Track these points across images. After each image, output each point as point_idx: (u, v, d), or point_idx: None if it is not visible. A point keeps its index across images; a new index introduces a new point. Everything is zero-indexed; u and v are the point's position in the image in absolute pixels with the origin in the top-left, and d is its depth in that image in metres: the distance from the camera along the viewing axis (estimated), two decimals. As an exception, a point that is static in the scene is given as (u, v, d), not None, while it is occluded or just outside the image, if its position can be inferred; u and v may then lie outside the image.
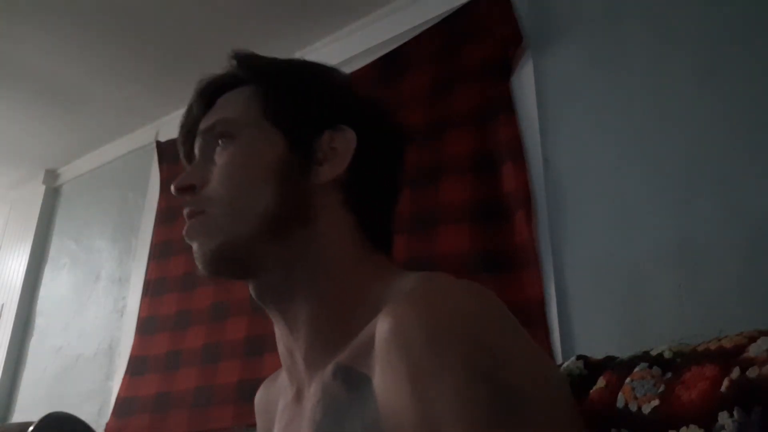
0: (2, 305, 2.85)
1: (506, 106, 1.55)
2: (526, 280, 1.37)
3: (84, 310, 2.53)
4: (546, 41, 1.56)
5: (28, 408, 2.55)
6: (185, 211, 0.66)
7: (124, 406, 2.07)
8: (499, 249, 1.43)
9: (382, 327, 0.50)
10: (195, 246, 0.65)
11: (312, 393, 0.60)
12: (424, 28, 1.80)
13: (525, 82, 1.56)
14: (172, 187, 0.66)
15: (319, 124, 0.67)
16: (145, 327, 2.18)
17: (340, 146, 0.66)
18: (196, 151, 0.70)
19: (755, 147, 1.19)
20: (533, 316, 1.33)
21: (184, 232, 0.65)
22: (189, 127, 0.72)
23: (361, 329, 0.56)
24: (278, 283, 0.64)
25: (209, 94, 0.71)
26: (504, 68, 1.59)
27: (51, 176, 2.97)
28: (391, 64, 1.83)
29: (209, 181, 0.65)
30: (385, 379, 0.49)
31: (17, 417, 2.58)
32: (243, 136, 0.66)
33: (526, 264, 1.38)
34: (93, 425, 1.35)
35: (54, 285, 2.76)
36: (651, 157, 1.31)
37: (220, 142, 0.67)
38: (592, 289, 1.31)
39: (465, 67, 1.65)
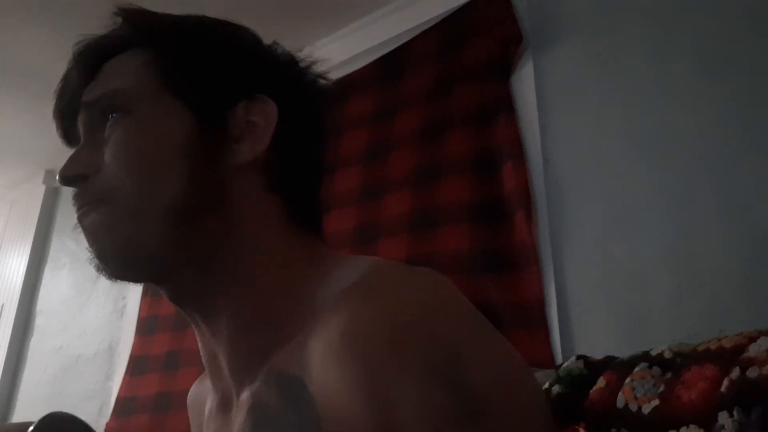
0: (2, 305, 2.85)
1: (506, 106, 1.55)
2: (526, 280, 1.37)
3: (84, 310, 2.53)
4: (546, 41, 1.56)
5: (28, 408, 2.55)
6: (76, 205, 0.55)
7: (124, 406, 2.07)
8: (499, 249, 1.43)
9: (330, 324, 0.44)
10: (93, 248, 0.54)
11: (241, 402, 0.53)
12: (424, 28, 1.80)
13: (525, 82, 1.56)
14: (58, 177, 0.55)
15: (231, 94, 0.56)
16: (145, 327, 2.18)
17: (259, 119, 0.56)
18: (81, 129, 0.58)
19: (756, 147, 1.19)
20: (533, 316, 1.33)
21: (78, 223, 0.55)
22: (68, 99, 0.59)
23: (297, 329, 0.49)
24: (194, 284, 0.55)
25: (93, 59, 0.58)
26: (504, 68, 1.59)
27: (51, 176, 2.97)
28: (391, 64, 1.83)
29: (101, 168, 0.54)
30: (333, 381, 0.43)
31: (17, 417, 2.58)
32: (139, 111, 0.54)
33: (526, 264, 1.38)
34: (93, 425, 1.35)
35: (54, 285, 2.76)
36: (651, 157, 1.31)
37: (110, 117, 0.55)
38: (592, 289, 1.31)
39: (465, 67, 1.65)
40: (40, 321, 2.73)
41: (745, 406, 0.47)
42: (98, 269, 0.55)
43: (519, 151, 1.49)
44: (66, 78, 0.60)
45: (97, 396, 2.29)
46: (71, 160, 0.55)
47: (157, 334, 2.11)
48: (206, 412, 0.62)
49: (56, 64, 2.33)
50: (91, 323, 2.47)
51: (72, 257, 2.73)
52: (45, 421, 1.26)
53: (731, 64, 1.26)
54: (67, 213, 2.89)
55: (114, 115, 0.55)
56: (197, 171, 0.54)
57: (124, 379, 2.13)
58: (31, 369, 2.65)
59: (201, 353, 0.59)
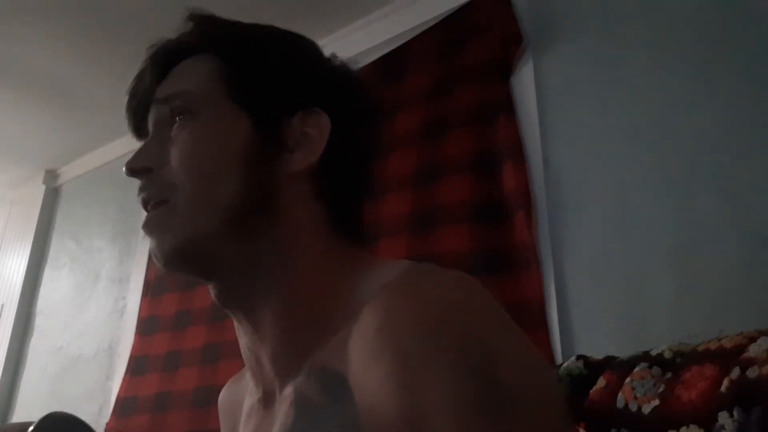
0: (2, 305, 2.85)
1: (506, 106, 1.55)
2: (526, 280, 1.37)
3: (84, 310, 2.53)
4: (546, 41, 1.56)
5: (28, 408, 2.55)
6: (141, 197, 0.59)
7: (124, 406, 2.07)
8: (499, 249, 1.43)
9: (367, 320, 0.47)
10: (154, 241, 0.58)
11: (284, 396, 0.56)
12: (424, 28, 1.80)
13: (525, 82, 1.56)
14: (125, 168, 0.59)
15: (289, 105, 0.60)
16: (145, 327, 2.18)
17: (313, 131, 0.59)
18: (150, 125, 0.62)
19: (755, 147, 1.19)
20: (533, 316, 1.33)
21: (142, 225, 0.59)
22: (141, 97, 0.64)
23: (338, 328, 0.52)
24: (241, 283, 0.58)
25: (165, 60, 0.63)
26: (504, 68, 1.59)
27: (51, 176, 2.98)
28: (391, 64, 1.83)
29: (166, 163, 0.58)
30: (368, 374, 0.46)
31: (17, 417, 2.58)
32: (205, 115, 0.59)
33: (526, 264, 1.38)
34: (93, 425, 1.35)
35: (54, 285, 2.76)
36: (651, 157, 1.31)
37: (177, 118, 0.59)
38: (592, 289, 1.31)
39: (465, 67, 1.65)
40: (40, 321, 2.73)
41: (745, 406, 0.47)
42: (158, 264, 0.59)
43: (519, 151, 1.49)
44: (139, 77, 0.64)
45: (97, 396, 2.29)
46: (138, 153, 0.59)
47: (157, 334, 2.11)
48: (246, 408, 0.65)
49: (55, 65, 2.34)
50: (91, 323, 2.47)
51: (72, 257, 2.73)
52: (45, 421, 1.26)
53: (731, 64, 1.26)
54: (67, 213, 2.89)
55: (181, 117, 0.59)
56: (253, 176, 0.58)
57: (124, 379, 2.13)
58: (31, 369, 2.65)
59: (242, 350, 0.62)
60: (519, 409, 0.43)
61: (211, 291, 0.61)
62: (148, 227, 0.59)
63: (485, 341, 0.45)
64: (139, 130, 0.65)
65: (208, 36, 0.63)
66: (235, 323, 0.62)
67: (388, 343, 0.45)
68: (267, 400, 0.60)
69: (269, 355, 0.58)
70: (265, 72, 0.60)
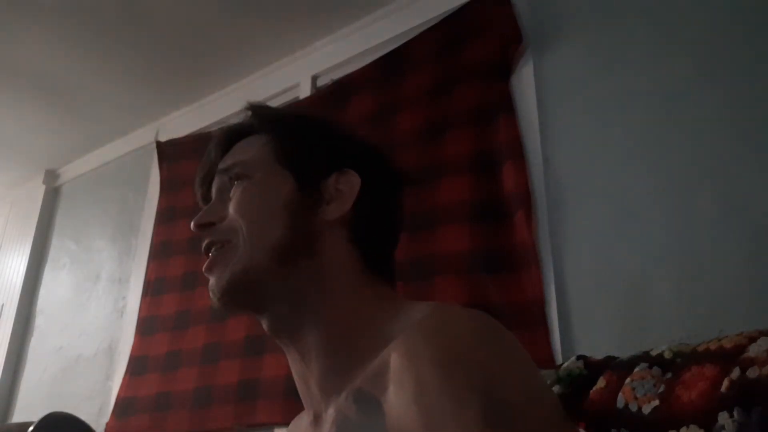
0: (2, 305, 2.84)
1: (506, 106, 1.55)
2: (526, 280, 1.37)
3: (84, 310, 2.53)
4: (546, 41, 1.57)
5: (28, 408, 2.55)
6: (206, 242, 0.71)
7: (124, 406, 2.07)
8: (499, 249, 1.43)
9: (396, 353, 0.56)
10: (213, 278, 0.70)
11: (328, 415, 0.65)
12: (424, 28, 1.80)
13: (525, 82, 1.56)
14: (192, 225, 0.72)
15: (325, 168, 0.73)
16: (145, 327, 2.18)
17: (345, 188, 0.72)
18: (213, 190, 0.76)
19: (756, 147, 1.19)
20: (533, 316, 1.33)
21: (204, 267, 0.70)
22: (207, 170, 0.79)
23: (373, 356, 0.61)
24: (288, 314, 0.69)
25: (227, 140, 0.78)
26: (504, 68, 1.59)
27: (51, 176, 2.97)
28: (391, 64, 1.83)
29: (226, 217, 0.72)
30: (396, 398, 0.55)
31: (17, 417, 2.58)
32: (257, 176, 0.72)
33: (526, 264, 1.38)
34: (93, 425, 1.35)
35: (54, 285, 2.76)
36: (651, 157, 1.31)
37: (235, 183, 0.73)
38: (592, 289, 1.31)
39: (465, 67, 1.65)
40: (40, 321, 2.73)
41: (745, 406, 0.47)
42: (214, 300, 0.70)
43: (519, 151, 1.49)
44: (207, 155, 0.80)
45: (97, 396, 2.29)
46: (204, 213, 0.73)
47: (157, 334, 2.11)
48: (303, 428, 0.74)
49: (56, 65, 2.35)
50: (91, 323, 2.47)
51: (72, 257, 2.72)
52: (45, 421, 1.26)
53: (731, 64, 1.26)
54: (67, 213, 2.89)
55: (238, 181, 0.73)
56: (296, 222, 0.70)
57: (124, 379, 2.13)
58: (31, 369, 2.65)
59: (294, 377, 0.72)
60: (522, 426, 0.50)
61: (263, 324, 0.71)
62: (210, 266, 0.70)
63: (489, 368, 0.53)
64: (205, 197, 0.79)
65: (261, 119, 0.78)
66: (287, 353, 0.72)
67: (411, 372, 0.54)
68: (317, 420, 0.69)
69: (315, 380, 0.68)
70: (306, 142, 0.76)
